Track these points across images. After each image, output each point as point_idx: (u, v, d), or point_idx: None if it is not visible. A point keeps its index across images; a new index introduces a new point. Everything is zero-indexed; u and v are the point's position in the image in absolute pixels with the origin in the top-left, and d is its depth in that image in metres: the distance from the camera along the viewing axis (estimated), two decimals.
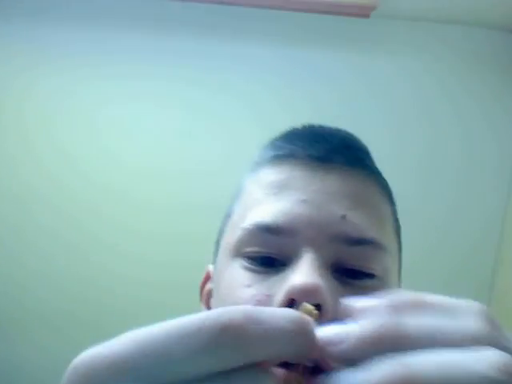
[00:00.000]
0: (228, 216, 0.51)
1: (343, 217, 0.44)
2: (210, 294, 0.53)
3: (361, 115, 1.59)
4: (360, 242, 0.43)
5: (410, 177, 1.57)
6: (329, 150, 0.47)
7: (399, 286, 0.50)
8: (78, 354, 0.22)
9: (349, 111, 1.59)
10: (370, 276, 0.44)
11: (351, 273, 0.43)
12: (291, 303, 0.40)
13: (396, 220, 0.51)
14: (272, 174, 0.47)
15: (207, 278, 0.55)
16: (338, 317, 0.36)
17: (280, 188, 0.46)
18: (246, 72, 1.61)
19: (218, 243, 0.52)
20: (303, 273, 0.40)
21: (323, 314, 0.39)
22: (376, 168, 0.51)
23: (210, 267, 0.54)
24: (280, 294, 0.41)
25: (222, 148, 1.61)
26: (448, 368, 0.22)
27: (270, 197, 0.46)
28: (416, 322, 0.24)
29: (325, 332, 0.24)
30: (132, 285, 1.58)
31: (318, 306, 0.38)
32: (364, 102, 1.60)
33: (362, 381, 0.22)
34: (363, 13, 1.56)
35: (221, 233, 0.51)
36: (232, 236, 0.47)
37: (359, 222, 0.44)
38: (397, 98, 1.60)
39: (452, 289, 1.38)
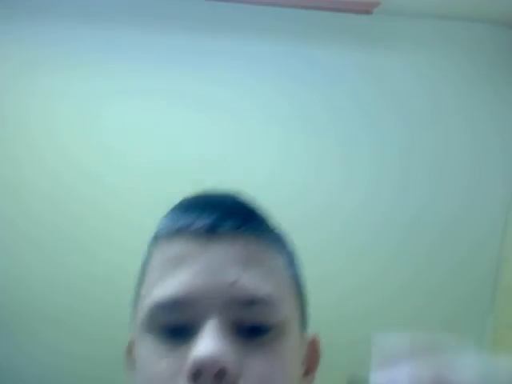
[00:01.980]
0: (139, 285, 0.56)
1: (233, 282, 0.48)
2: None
3: (364, 110, 1.58)
4: (253, 302, 0.48)
5: (415, 171, 1.57)
6: (215, 221, 0.51)
7: (302, 329, 0.55)
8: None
9: (352, 106, 1.59)
10: (268, 329, 0.48)
11: (251, 330, 0.48)
12: (197, 373, 0.45)
13: (292, 267, 0.56)
14: (168, 250, 0.52)
15: (132, 346, 0.58)
16: (242, 374, 0.45)
17: (175, 263, 0.50)
18: (250, 69, 1.60)
19: (133, 310, 0.56)
20: (204, 343, 0.45)
21: (227, 378, 0.44)
22: (265, 228, 0.55)
23: (132, 335, 0.57)
24: (186, 367, 0.45)
25: (226, 145, 1.61)
26: None
27: (168, 273, 0.50)
28: None
29: None
30: (135, 280, 1.59)
31: (221, 371, 0.44)
32: (367, 98, 1.59)
33: None
34: (366, 9, 1.54)
35: (134, 301, 0.56)
36: (141, 313, 0.51)
37: (249, 285, 0.48)
38: (400, 94, 1.59)
39: (456, 287, 1.40)
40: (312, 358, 0.57)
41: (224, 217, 0.52)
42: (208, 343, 0.45)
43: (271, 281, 0.50)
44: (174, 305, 0.48)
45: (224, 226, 0.51)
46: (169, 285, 0.49)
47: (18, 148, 1.62)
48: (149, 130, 1.62)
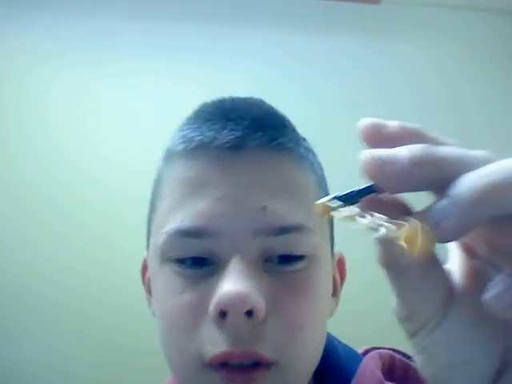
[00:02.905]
0: (152, 210, 0.49)
1: (263, 208, 0.43)
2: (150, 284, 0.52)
3: (369, 102, 1.59)
4: (284, 230, 0.43)
5: None
6: (240, 137, 0.44)
7: (332, 258, 0.50)
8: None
9: (356, 96, 1.59)
10: (301, 258, 0.44)
11: (281, 259, 0.43)
12: (223, 313, 0.41)
13: (323, 182, 0.50)
14: (186, 170, 0.45)
15: (145, 268, 0.54)
16: (271, 311, 0.42)
17: (195, 187, 0.44)
18: (259, 58, 1.59)
19: (148, 233, 0.50)
20: (229, 281, 0.41)
21: (256, 317, 0.41)
22: (295, 141, 0.48)
23: (146, 255, 0.53)
24: (211, 306, 0.41)
25: None
26: None
27: (187, 197, 0.44)
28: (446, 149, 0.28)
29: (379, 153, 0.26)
30: (132, 280, 1.56)
31: (250, 311, 0.40)
32: (373, 89, 1.60)
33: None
34: None
35: (149, 225, 0.50)
36: (157, 239, 0.46)
37: (281, 210, 0.43)
38: (411, 82, 1.60)
39: None
40: (339, 278, 0.53)
41: (251, 130, 0.45)
42: (235, 280, 0.40)
43: (304, 205, 0.44)
44: (195, 234, 0.43)
45: (251, 142, 0.44)
46: (190, 211, 0.43)
47: (11, 145, 1.58)
48: (149, 125, 1.60)
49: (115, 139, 1.58)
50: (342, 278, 0.54)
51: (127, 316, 1.56)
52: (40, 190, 1.56)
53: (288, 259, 0.43)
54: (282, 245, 0.43)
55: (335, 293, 0.52)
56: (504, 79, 1.59)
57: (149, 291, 0.51)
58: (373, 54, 1.59)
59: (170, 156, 0.47)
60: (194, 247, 0.43)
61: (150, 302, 0.51)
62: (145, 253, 0.52)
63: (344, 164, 1.56)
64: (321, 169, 0.51)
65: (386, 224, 0.26)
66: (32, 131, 1.57)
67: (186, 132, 0.47)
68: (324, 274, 0.46)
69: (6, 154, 1.58)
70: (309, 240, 0.44)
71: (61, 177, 1.57)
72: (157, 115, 1.59)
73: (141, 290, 1.69)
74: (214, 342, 0.41)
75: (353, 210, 0.27)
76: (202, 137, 0.45)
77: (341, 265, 0.53)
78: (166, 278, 0.44)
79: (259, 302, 0.41)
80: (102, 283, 1.56)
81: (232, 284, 0.40)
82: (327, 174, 0.52)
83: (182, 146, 0.46)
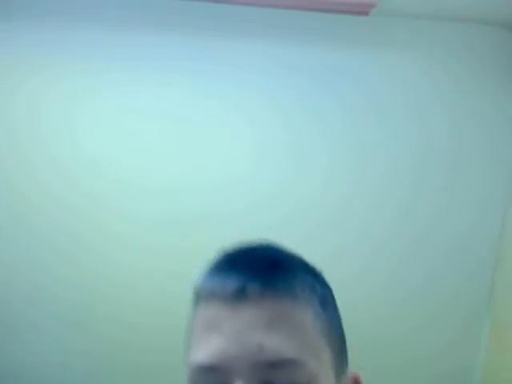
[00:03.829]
0: (187, 340, 0.59)
1: (260, 346, 0.51)
2: None
3: (358, 114, 1.58)
4: (278, 364, 0.51)
5: (427, 174, 1.58)
6: (243, 283, 0.53)
7: (340, 369, 0.57)
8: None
9: (345, 110, 1.58)
10: None
11: None
12: None
13: (325, 312, 0.57)
14: (204, 313, 0.55)
15: None
16: None
17: (209, 328, 0.54)
18: (250, 68, 1.58)
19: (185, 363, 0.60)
20: None
21: None
22: (290, 280, 0.56)
23: None
24: None
25: (235, 147, 1.60)
26: None
27: (203, 337, 0.54)
28: None
29: None
30: (127, 291, 1.59)
31: None
32: (362, 101, 1.58)
33: None
34: (362, 11, 1.52)
35: (185, 355, 0.59)
36: (186, 371, 0.56)
37: (276, 347, 0.51)
38: (398, 95, 1.58)
39: (455, 288, 1.41)
40: None
41: (251, 277, 0.54)
42: None
43: (297, 339, 0.52)
44: (208, 369, 0.52)
45: (251, 288, 0.53)
46: (204, 349, 0.53)
47: (4, 154, 1.60)
48: (144, 135, 1.61)
49: (110, 149, 1.61)
50: None
51: (120, 326, 1.60)
52: (34, 200, 1.60)
53: None
54: (280, 377, 0.51)
55: None
56: (497, 91, 1.57)
57: None
58: (362, 65, 1.58)
59: (196, 297, 0.58)
60: (210, 379, 0.52)
61: None
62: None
63: (334, 172, 1.58)
64: (323, 296, 0.58)
65: None
66: (25, 141, 1.60)
67: (206, 278, 0.58)
68: None
69: None
70: (304, 371, 0.51)
71: (55, 186, 1.60)
72: (152, 125, 1.61)
73: (133, 299, 1.72)
74: None
75: None
76: (214, 284, 0.55)
77: (355, 383, 0.60)
78: None
79: None
80: (93, 291, 1.60)
81: None
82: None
83: (204, 292, 0.57)
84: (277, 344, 0.51)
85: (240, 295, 0.53)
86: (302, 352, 0.52)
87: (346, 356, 0.59)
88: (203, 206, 1.59)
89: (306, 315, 0.55)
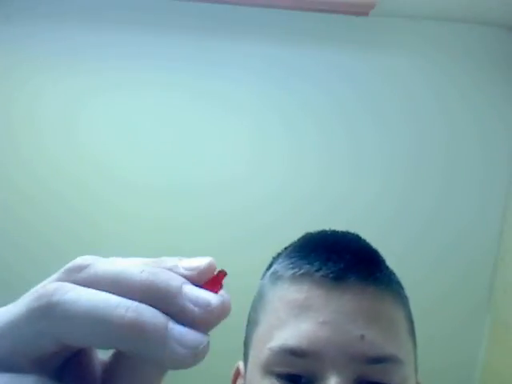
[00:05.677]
0: (255, 324, 0.54)
1: (362, 337, 0.47)
2: None
3: (357, 115, 1.58)
4: (379, 359, 0.47)
5: (424, 172, 1.58)
6: (342, 269, 0.50)
7: (416, 378, 0.53)
8: None
9: (344, 110, 1.58)
10: None
11: None
12: None
13: (410, 321, 0.55)
14: (292, 293, 0.50)
15: (237, 374, 0.59)
16: None
17: (300, 309, 0.49)
18: (244, 72, 1.59)
19: (246, 346, 0.55)
20: None
21: None
22: (388, 276, 0.54)
23: (241, 364, 0.58)
24: None
25: (236, 148, 1.61)
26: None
27: (291, 318, 0.49)
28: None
29: None
30: None
31: None
32: (362, 102, 1.59)
33: None
34: (362, 11, 1.53)
35: (248, 339, 0.55)
36: (261, 353, 0.50)
37: (376, 341, 0.47)
38: (398, 95, 1.59)
39: (455, 288, 1.41)
40: None
41: (352, 265, 0.51)
42: None
43: (397, 337, 0.50)
44: (299, 353, 0.47)
45: (353, 275, 0.50)
46: (294, 331, 0.48)
47: (3, 156, 1.60)
48: (142, 135, 1.61)
49: (110, 148, 1.61)
50: None
51: None
52: (33, 200, 1.59)
53: None
54: (376, 373, 0.47)
55: None
56: (495, 90, 1.57)
57: None
58: (361, 66, 1.58)
59: (277, 278, 0.53)
60: (296, 365, 0.47)
61: None
62: (240, 363, 0.58)
63: (341, 171, 1.58)
64: (407, 299, 0.56)
65: None
66: (25, 141, 1.60)
67: (294, 259, 0.53)
68: None
69: None
70: (400, 371, 0.48)
71: (54, 187, 1.60)
72: (151, 124, 1.61)
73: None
74: None
75: None
76: (308, 265, 0.51)
77: None
78: None
79: None
80: None
81: None
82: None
83: (290, 272, 0.52)
84: (378, 338, 0.47)
85: (340, 280, 0.49)
86: (401, 351, 0.49)
87: (416, 358, 0.55)
88: (203, 205, 1.59)
89: (401, 314, 0.52)
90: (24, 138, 1.60)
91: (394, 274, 0.56)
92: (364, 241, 0.58)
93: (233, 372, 0.60)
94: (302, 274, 0.51)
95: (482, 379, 1.54)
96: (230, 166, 1.60)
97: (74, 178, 1.60)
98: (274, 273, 0.55)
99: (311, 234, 0.58)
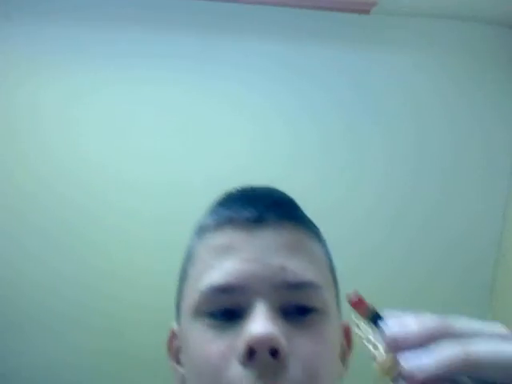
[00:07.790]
0: (183, 279, 0.58)
1: (282, 267, 0.52)
2: (178, 351, 0.60)
3: (358, 113, 1.58)
4: (300, 285, 0.52)
5: (427, 170, 1.58)
6: (261, 211, 0.55)
7: (339, 314, 0.58)
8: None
9: (345, 108, 1.58)
10: (313, 311, 0.53)
11: (297, 311, 0.52)
12: (251, 351, 0.47)
13: (329, 259, 0.61)
14: (216, 239, 0.55)
15: (173, 337, 0.63)
16: (291, 353, 0.48)
17: (224, 251, 0.53)
18: (246, 70, 1.58)
19: (178, 306, 0.59)
20: (257, 323, 0.48)
21: (280, 355, 0.47)
22: (305, 218, 0.60)
23: (175, 326, 0.62)
24: (241, 345, 0.48)
25: (235, 143, 1.60)
26: (497, 351, 0.29)
27: (217, 260, 0.53)
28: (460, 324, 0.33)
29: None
30: (128, 288, 1.59)
31: (275, 350, 0.47)
32: (363, 100, 1.58)
33: (428, 359, 0.29)
34: (363, 9, 1.52)
35: (179, 295, 0.59)
36: (191, 298, 0.54)
37: (297, 269, 0.52)
38: (400, 94, 1.58)
39: (455, 288, 1.41)
40: (346, 345, 0.62)
41: (269, 207, 0.56)
42: (261, 323, 0.48)
43: (315, 267, 0.55)
44: (226, 289, 0.51)
45: (270, 215, 0.55)
46: (221, 270, 0.52)
47: (3, 154, 1.60)
48: (144, 133, 1.61)
49: (110, 147, 1.60)
50: (349, 345, 0.62)
51: (126, 324, 1.60)
52: (34, 199, 1.59)
53: (302, 310, 0.52)
54: (298, 298, 0.52)
55: (344, 357, 0.60)
56: (496, 88, 1.57)
57: (176, 361, 0.61)
58: (363, 64, 1.57)
59: (202, 230, 0.58)
60: (224, 301, 0.51)
61: (176, 371, 0.60)
62: (173, 324, 0.62)
63: (342, 169, 1.58)
64: (325, 242, 0.62)
65: (379, 345, 0.34)
66: (25, 140, 1.60)
67: (215, 211, 0.59)
68: (333, 329, 0.55)
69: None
70: (319, 295, 0.53)
71: (55, 185, 1.60)
72: (152, 123, 1.60)
73: (136, 297, 1.73)
74: (241, 381, 0.48)
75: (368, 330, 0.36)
76: (229, 211, 0.56)
77: (347, 333, 0.61)
78: (199, 331, 0.52)
79: (283, 343, 0.48)
80: (94, 289, 1.60)
81: (260, 325, 0.48)
82: None
83: (213, 221, 0.57)
84: (298, 267, 0.52)
85: (259, 221, 0.54)
86: (319, 278, 0.54)
87: (340, 306, 0.60)
88: (204, 202, 1.59)
89: (319, 249, 0.58)
90: (24, 136, 1.60)
91: (311, 219, 0.61)
92: (281, 191, 0.63)
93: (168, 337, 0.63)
94: (224, 221, 0.55)
95: None
96: (231, 162, 1.59)
97: (74, 175, 1.59)
98: (198, 227, 0.60)
99: (231, 190, 0.63)
